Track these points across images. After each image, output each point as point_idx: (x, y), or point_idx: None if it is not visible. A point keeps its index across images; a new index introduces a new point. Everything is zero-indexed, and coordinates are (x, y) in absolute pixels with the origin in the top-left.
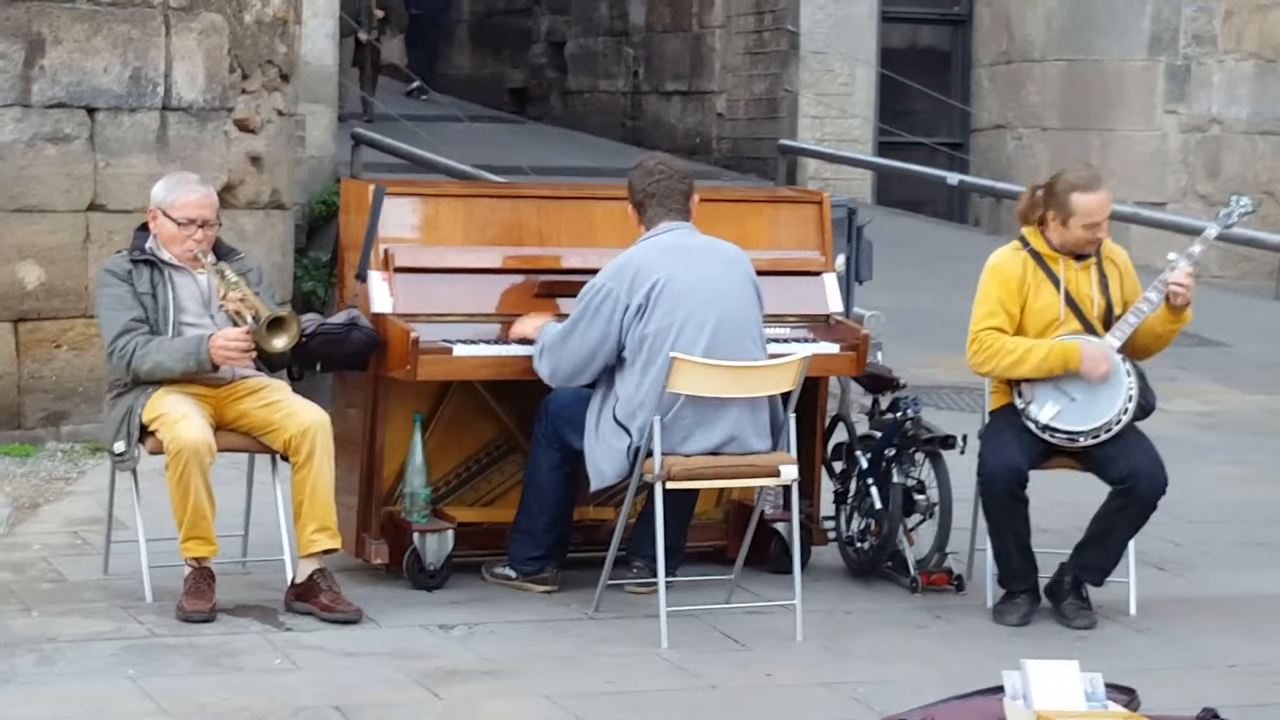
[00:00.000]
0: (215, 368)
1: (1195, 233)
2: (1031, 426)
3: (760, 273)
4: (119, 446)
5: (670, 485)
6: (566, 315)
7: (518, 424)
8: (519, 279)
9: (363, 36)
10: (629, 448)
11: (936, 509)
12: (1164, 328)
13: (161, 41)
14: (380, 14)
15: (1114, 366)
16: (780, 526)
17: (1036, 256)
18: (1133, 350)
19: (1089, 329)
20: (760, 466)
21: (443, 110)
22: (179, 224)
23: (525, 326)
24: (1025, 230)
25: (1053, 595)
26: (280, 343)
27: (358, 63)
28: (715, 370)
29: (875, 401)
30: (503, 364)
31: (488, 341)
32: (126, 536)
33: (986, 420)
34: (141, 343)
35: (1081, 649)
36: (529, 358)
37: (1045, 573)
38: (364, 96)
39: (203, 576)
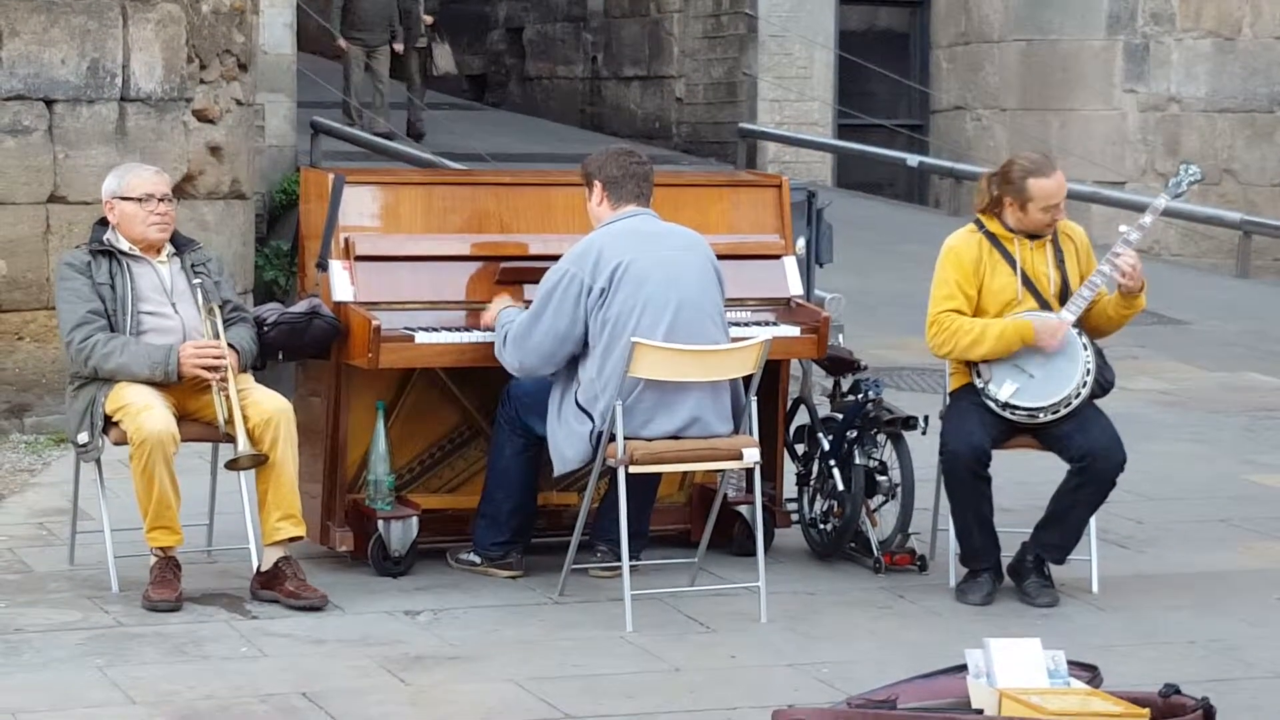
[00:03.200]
0: (181, 379)
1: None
2: (991, 405)
3: (720, 257)
4: (82, 438)
5: (633, 469)
6: (530, 300)
7: (480, 410)
8: (480, 266)
9: (398, 47)
10: (591, 432)
11: (899, 490)
12: (1116, 312)
13: (119, 32)
14: (429, 20)
15: (1070, 340)
16: (743, 509)
17: (992, 238)
18: (1087, 331)
19: (1045, 307)
20: (722, 450)
21: (400, 96)
22: (139, 200)
23: (490, 313)
24: (980, 215)
25: (1015, 574)
26: (231, 459)
27: (403, 75)
28: (676, 354)
29: (836, 384)
30: (464, 351)
31: (449, 329)
32: (92, 527)
33: (947, 400)
34: (103, 340)
35: (1044, 627)
36: (491, 344)
37: (1007, 552)
38: (411, 117)
39: (168, 566)
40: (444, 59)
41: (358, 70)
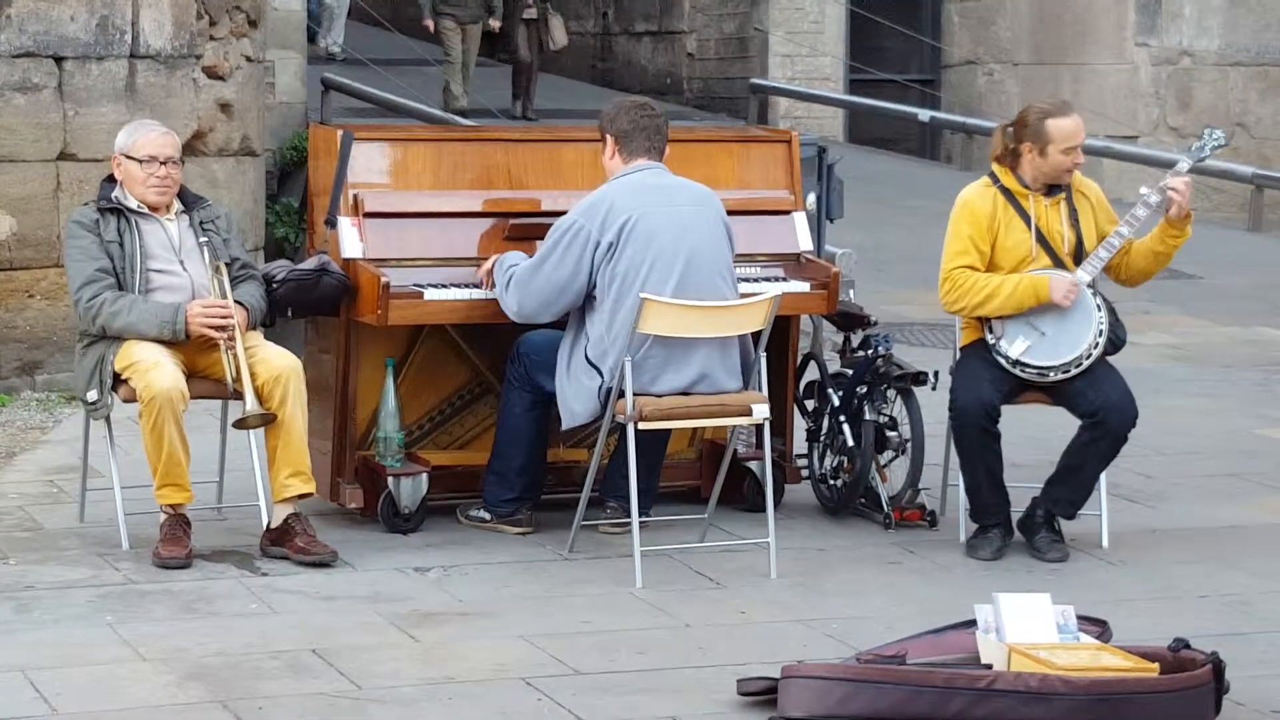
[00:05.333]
0: (189, 338)
1: (1168, 166)
2: (1002, 362)
3: (730, 212)
4: (92, 395)
5: (642, 426)
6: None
7: (489, 367)
8: (489, 222)
9: (494, 24)
10: (600, 388)
11: (909, 445)
12: (1163, 245)
13: None
14: None
15: (1083, 299)
16: (753, 465)
17: (1007, 193)
18: (1131, 274)
19: (1059, 265)
20: (732, 406)
21: (412, 54)
22: (141, 162)
23: (486, 265)
24: (995, 167)
25: (1025, 529)
26: (239, 417)
27: (509, 52)
28: (685, 310)
29: (847, 339)
30: (474, 308)
31: (459, 285)
32: (102, 484)
33: (958, 356)
34: (111, 299)
35: (1054, 582)
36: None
37: (1018, 507)
38: (520, 96)
39: (178, 523)
40: (559, 31)
41: (456, 49)
